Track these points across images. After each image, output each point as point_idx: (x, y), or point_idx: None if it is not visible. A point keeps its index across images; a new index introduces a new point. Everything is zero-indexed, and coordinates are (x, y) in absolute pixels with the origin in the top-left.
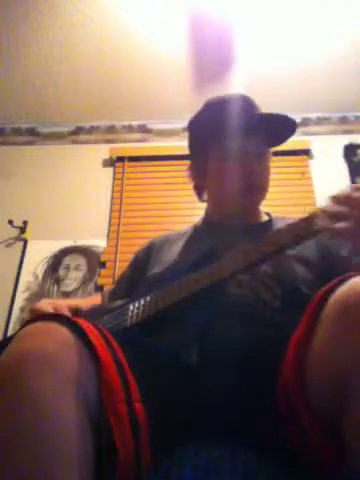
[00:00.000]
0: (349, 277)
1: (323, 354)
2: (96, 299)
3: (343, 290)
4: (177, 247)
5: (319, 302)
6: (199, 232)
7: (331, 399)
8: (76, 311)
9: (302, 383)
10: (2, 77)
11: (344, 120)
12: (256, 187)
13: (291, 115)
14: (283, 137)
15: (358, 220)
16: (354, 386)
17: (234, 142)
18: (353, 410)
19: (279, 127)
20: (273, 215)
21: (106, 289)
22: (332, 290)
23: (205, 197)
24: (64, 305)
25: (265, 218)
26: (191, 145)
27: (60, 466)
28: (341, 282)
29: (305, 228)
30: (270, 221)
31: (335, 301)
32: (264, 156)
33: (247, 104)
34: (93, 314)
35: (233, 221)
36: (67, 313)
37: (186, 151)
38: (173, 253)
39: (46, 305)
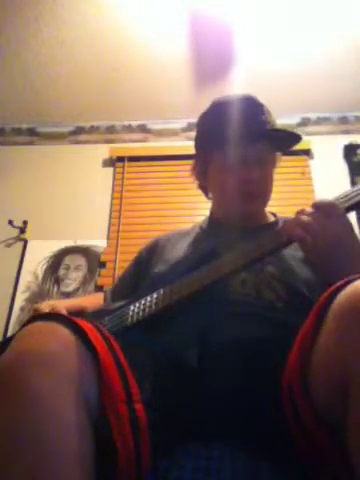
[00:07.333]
0: (354, 279)
1: (327, 356)
2: (98, 298)
3: (347, 292)
4: (181, 246)
5: (324, 304)
6: (203, 231)
7: (334, 400)
8: (81, 312)
9: (306, 384)
10: (2, 77)
11: (344, 120)
12: (254, 195)
13: (291, 115)
14: (286, 145)
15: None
16: (355, 388)
17: (235, 148)
18: (354, 411)
19: (282, 135)
20: (279, 216)
21: (108, 288)
22: (337, 292)
23: (210, 195)
24: (62, 306)
25: (271, 219)
26: (195, 145)
27: (60, 466)
28: (346, 284)
29: None
30: (276, 222)
31: (339, 303)
32: (265, 163)
33: (253, 108)
34: (95, 315)
35: (237, 221)
36: (64, 313)
37: (186, 151)
38: (177, 252)
39: (44, 307)
